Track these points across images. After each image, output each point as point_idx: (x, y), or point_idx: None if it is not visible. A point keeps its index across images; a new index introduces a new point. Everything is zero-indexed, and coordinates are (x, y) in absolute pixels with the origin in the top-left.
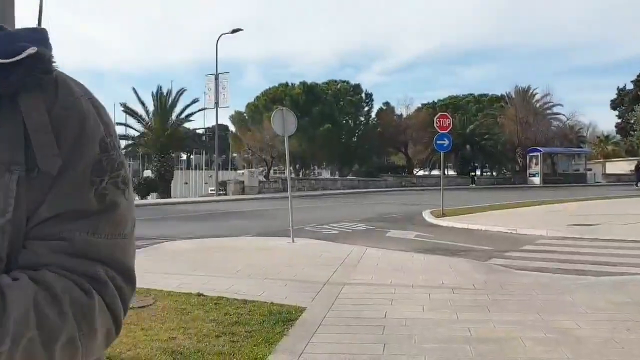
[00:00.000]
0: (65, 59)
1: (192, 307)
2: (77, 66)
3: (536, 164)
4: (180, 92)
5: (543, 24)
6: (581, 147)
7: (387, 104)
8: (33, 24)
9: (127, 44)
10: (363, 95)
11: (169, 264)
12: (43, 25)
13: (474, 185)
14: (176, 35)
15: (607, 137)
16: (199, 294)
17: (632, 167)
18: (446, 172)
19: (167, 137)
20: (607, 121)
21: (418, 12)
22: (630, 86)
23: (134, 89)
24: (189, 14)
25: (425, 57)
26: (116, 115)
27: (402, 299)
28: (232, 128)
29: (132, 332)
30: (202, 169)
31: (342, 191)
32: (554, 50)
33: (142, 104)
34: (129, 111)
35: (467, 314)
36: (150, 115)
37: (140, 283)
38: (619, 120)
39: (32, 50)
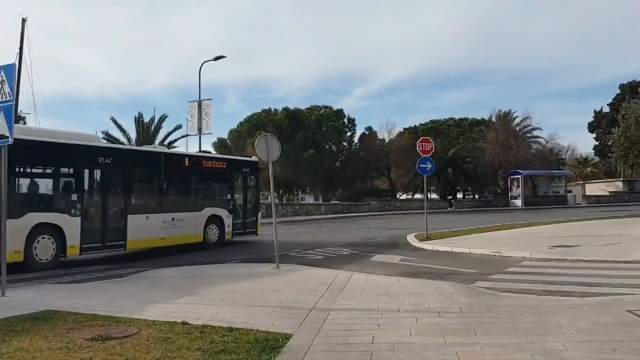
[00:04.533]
0: (47, 86)
1: (176, 336)
2: (58, 93)
3: (517, 186)
4: (163, 118)
5: (521, 48)
6: (561, 170)
7: (369, 128)
8: (15, 51)
9: (108, 70)
10: (346, 120)
11: (153, 292)
12: (25, 52)
13: (451, 208)
14: (157, 61)
15: (585, 159)
16: (184, 323)
17: (612, 189)
18: (429, 196)
19: None
20: (585, 143)
21: (396, 37)
22: (606, 109)
23: (112, 118)
24: (169, 40)
25: (405, 81)
26: None
27: (389, 323)
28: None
29: None
30: None
31: (326, 216)
32: (532, 74)
33: (124, 131)
34: (110, 139)
35: (454, 338)
36: (133, 142)
37: (123, 312)
38: (597, 143)
39: None
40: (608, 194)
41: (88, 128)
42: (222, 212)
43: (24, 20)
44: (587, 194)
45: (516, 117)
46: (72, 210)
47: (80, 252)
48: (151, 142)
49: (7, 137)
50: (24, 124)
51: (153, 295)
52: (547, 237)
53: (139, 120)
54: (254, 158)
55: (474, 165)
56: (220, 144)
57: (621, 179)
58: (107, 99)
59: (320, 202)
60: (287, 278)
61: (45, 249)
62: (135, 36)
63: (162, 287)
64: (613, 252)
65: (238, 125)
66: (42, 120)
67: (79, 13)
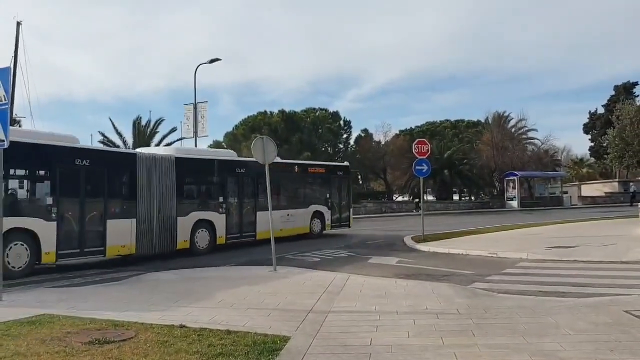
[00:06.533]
0: (41, 89)
1: (174, 340)
2: (51, 96)
3: (513, 187)
4: (159, 122)
5: (514, 50)
6: (556, 171)
7: (365, 130)
8: (9, 55)
9: (100, 73)
10: (341, 122)
11: (151, 295)
12: (20, 56)
13: (415, 211)
14: (149, 64)
15: (581, 160)
16: (182, 326)
17: (608, 189)
18: (425, 198)
19: None
20: (580, 145)
21: (389, 39)
22: (601, 110)
23: (110, 119)
24: (162, 43)
25: (398, 83)
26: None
27: (387, 325)
28: None
29: None
30: None
31: None
32: (527, 76)
33: (119, 134)
34: (106, 142)
35: (453, 339)
36: (129, 145)
37: (121, 315)
38: (592, 144)
39: None
40: (604, 194)
41: (81, 131)
42: (323, 209)
43: (18, 24)
44: (582, 194)
45: (511, 119)
46: (220, 210)
47: (225, 241)
48: (147, 145)
49: (3, 141)
50: (19, 127)
51: (150, 298)
52: (543, 238)
53: (136, 124)
54: (346, 163)
55: (470, 166)
56: (215, 147)
57: (617, 179)
58: (99, 102)
59: None
60: (284, 280)
61: (202, 238)
62: (128, 40)
63: (159, 291)
64: (609, 252)
65: (233, 128)
66: (37, 123)
67: (71, 16)
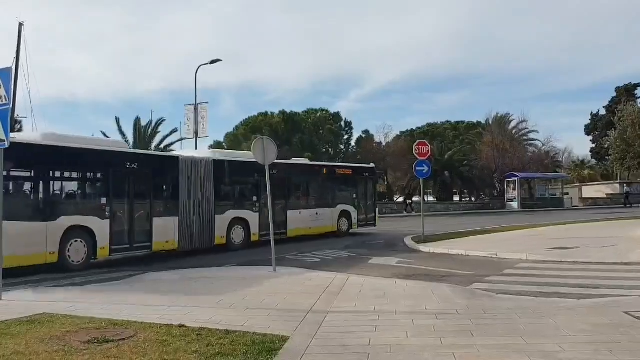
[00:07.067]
0: (42, 89)
1: (173, 339)
2: (53, 97)
3: (514, 189)
4: (159, 122)
5: (515, 50)
6: (557, 172)
7: (366, 132)
8: (12, 54)
9: (102, 74)
10: (342, 123)
11: (150, 295)
12: (22, 55)
13: (406, 212)
14: (149, 65)
15: (582, 161)
16: (181, 325)
17: (609, 191)
18: (426, 199)
19: None
20: (582, 146)
21: (389, 39)
22: (603, 111)
23: (117, 119)
24: (161, 44)
25: (399, 84)
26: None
27: (386, 325)
28: None
29: None
30: None
31: None
32: (528, 77)
33: (123, 134)
34: None
35: (451, 339)
36: (130, 145)
37: (120, 315)
38: (594, 145)
39: None
40: (605, 196)
41: (83, 131)
42: (350, 208)
43: (21, 25)
44: (584, 196)
45: (512, 120)
46: (254, 209)
47: (259, 238)
48: (148, 145)
49: (4, 141)
50: (21, 127)
51: (150, 298)
52: (543, 239)
53: (137, 125)
54: (372, 165)
55: (471, 167)
56: (216, 148)
57: (618, 181)
58: (101, 103)
59: None
60: (284, 281)
61: (238, 235)
62: (129, 40)
63: (158, 290)
64: (610, 254)
65: (234, 129)
66: (39, 124)
67: (73, 17)
